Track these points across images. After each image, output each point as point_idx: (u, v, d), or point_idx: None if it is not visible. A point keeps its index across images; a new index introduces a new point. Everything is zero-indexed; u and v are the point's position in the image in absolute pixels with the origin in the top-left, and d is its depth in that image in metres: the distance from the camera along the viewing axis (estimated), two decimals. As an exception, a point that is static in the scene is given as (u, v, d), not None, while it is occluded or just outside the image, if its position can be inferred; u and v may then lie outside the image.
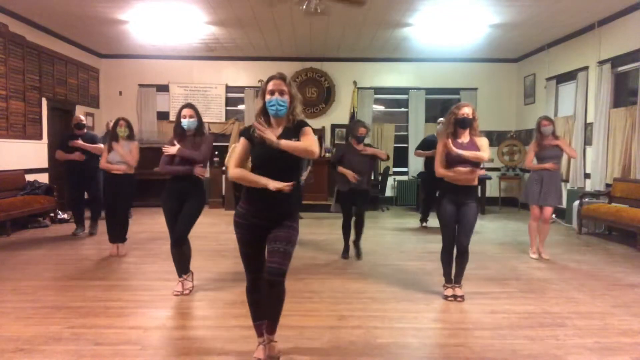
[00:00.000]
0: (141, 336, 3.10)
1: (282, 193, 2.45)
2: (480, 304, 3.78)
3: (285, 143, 2.45)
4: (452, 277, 3.96)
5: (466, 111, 3.76)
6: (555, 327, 3.29)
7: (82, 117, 6.67)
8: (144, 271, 4.72)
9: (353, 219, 5.36)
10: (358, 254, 5.36)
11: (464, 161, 3.70)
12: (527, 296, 3.98)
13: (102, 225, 6.56)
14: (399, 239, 6.34)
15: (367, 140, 5.50)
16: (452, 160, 3.76)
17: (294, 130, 2.57)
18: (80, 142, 6.22)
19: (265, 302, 2.66)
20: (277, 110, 2.52)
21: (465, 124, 3.77)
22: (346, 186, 5.22)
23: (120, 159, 5.13)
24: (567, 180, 8.09)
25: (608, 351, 2.92)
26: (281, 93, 2.52)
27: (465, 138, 3.82)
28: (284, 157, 2.49)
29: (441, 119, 7.55)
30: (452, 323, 3.41)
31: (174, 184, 3.92)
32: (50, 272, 4.61)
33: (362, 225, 5.40)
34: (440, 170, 3.80)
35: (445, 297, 3.89)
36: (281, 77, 2.56)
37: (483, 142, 3.81)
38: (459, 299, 3.85)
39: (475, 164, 3.74)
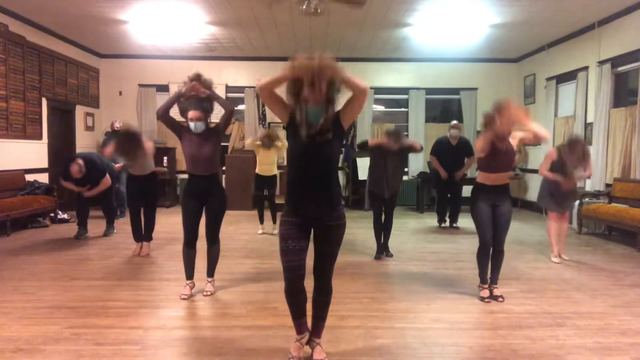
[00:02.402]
0: (141, 336, 3.10)
1: (319, 188, 2.50)
2: (480, 304, 3.78)
3: (346, 77, 2.46)
4: (488, 277, 3.93)
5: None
6: (555, 327, 3.29)
7: (77, 167, 5.90)
8: (144, 271, 4.72)
9: (382, 218, 5.38)
10: (387, 254, 5.39)
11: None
12: (527, 296, 3.97)
13: (99, 226, 6.62)
14: (399, 239, 6.34)
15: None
16: (486, 164, 3.77)
17: (331, 125, 2.53)
18: (88, 192, 6.11)
19: (303, 300, 2.68)
20: (315, 119, 2.46)
21: None
22: (372, 187, 5.26)
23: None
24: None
25: (608, 351, 2.92)
26: (316, 102, 2.45)
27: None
28: (322, 151, 2.51)
29: (454, 121, 7.55)
30: (452, 323, 3.41)
31: (194, 184, 3.85)
32: (50, 272, 4.61)
33: (391, 227, 5.42)
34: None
35: (482, 299, 3.84)
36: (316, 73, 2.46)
37: (515, 138, 3.71)
38: (499, 299, 3.83)
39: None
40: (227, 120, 3.95)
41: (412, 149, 5.36)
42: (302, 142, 2.48)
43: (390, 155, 5.22)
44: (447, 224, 7.47)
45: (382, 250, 5.37)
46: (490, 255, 3.92)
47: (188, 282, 3.93)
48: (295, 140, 2.53)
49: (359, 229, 6.83)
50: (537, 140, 3.75)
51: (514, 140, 3.72)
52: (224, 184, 9.30)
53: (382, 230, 5.40)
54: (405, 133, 10.30)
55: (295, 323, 2.73)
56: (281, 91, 2.55)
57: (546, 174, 5.12)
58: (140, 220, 5.34)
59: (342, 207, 2.67)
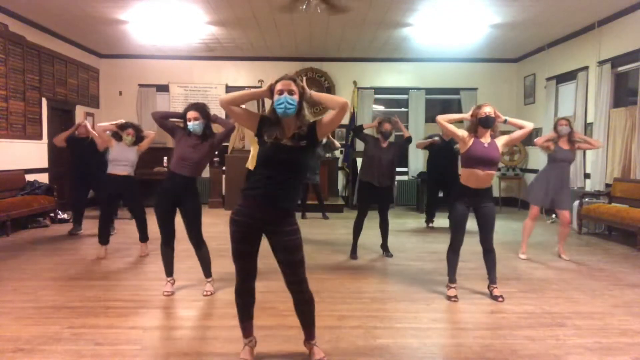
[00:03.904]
0: (141, 336, 3.10)
1: (279, 189, 2.48)
2: (480, 304, 3.78)
3: (316, 94, 2.54)
4: (456, 276, 3.96)
5: (488, 110, 3.75)
6: (555, 327, 3.29)
7: (83, 130, 6.42)
8: (144, 271, 4.72)
9: (378, 220, 5.36)
10: (387, 254, 5.39)
11: (480, 162, 3.71)
12: (527, 296, 3.98)
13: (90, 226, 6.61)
14: (399, 239, 6.34)
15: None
16: (468, 160, 3.76)
17: (306, 133, 2.53)
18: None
19: (252, 303, 2.70)
20: (285, 108, 2.44)
21: (488, 123, 3.74)
22: (366, 177, 5.23)
23: (125, 160, 5.16)
24: (567, 181, 8.10)
25: (608, 351, 2.92)
26: (290, 92, 2.47)
27: (487, 139, 3.80)
28: (292, 157, 2.49)
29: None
30: (452, 323, 3.41)
31: (169, 184, 3.85)
32: (50, 272, 4.60)
33: (387, 226, 5.40)
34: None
35: (449, 298, 3.86)
36: (290, 78, 2.54)
37: (501, 140, 3.82)
38: (499, 299, 3.82)
39: (494, 166, 3.76)
40: (226, 135, 3.95)
41: (404, 137, 5.49)
42: (275, 147, 2.48)
43: (385, 149, 5.24)
44: (434, 224, 7.46)
45: (356, 251, 5.33)
46: (483, 256, 3.94)
47: (169, 279, 4.00)
48: (263, 145, 2.52)
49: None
50: (524, 132, 3.84)
51: (499, 141, 3.82)
52: (223, 184, 9.37)
53: (380, 230, 5.40)
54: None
55: (241, 325, 2.72)
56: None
57: (540, 139, 5.28)
58: (109, 223, 5.36)
59: (294, 214, 2.63)
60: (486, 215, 3.81)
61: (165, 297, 3.88)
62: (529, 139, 9.54)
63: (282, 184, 2.50)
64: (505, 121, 3.85)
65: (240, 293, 2.66)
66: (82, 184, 6.56)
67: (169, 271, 4.01)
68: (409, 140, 5.53)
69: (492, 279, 3.94)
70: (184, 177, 3.81)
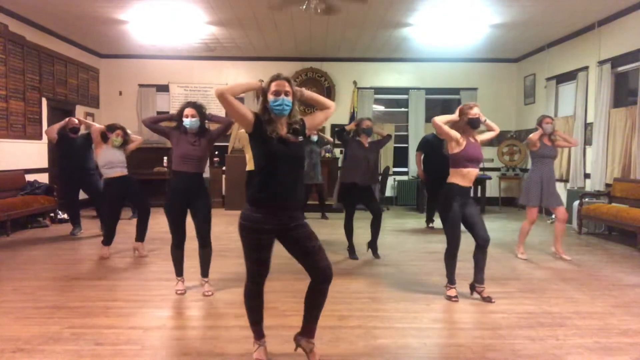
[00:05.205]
0: (141, 336, 3.10)
1: (292, 186, 2.54)
2: (480, 304, 3.78)
3: (308, 92, 2.66)
4: (455, 277, 3.96)
5: (477, 111, 3.83)
6: (555, 327, 3.29)
7: (76, 121, 6.58)
8: (144, 271, 4.72)
9: (371, 218, 5.34)
10: (376, 254, 5.36)
11: (473, 160, 3.78)
12: (527, 296, 3.98)
13: (98, 227, 6.61)
14: (399, 239, 6.34)
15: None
16: (461, 160, 3.79)
17: (300, 128, 2.64)
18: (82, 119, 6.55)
19: (262, 304, 2.75)
20: (282, 110, 2.53)
21: (477, 124, 3.83)
22: (350, 179, 5.23)
23: (119, 161, 5.16)
24: (567, 180, 8.10)
25: (608, 351, 2.92)
26: (286, 94, 2.54)
27: (473, 138, 3.89)
28: (297, 152, 2.57)
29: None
30: (452, 323, 3.41)
31: (178, 185, 3.87)
32: (50, 272, 4.61)
33: (380, 224, 5.34)
34: None
35: (449, 298, 3.86)
36: (285, 78, 2.59)
37: (478, 137, 3.95)
38: (493, 300, 3.81)
39: (480, 163, 3.90)
40: (224, 128, 3.99)
41: (384, 135, 5.65)
42: (279, 145, 2.52)
43: (369, 149, 5.29)
44: (434, 224, 7.45)
45: (355, 251, 5.33)
46: (476, 253, 3.92)
47: (179, 278, 4.03)
48: (267, 142, 2.54)
49: (357, 229, 6.79)
50: (492, 136, 4.06)
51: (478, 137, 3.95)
52: (223, 184, 9.37)
53: (371, 228, 5.35)
54: (406, 133, 10.32)
55: (253, 328, 2.74)
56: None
57: (532, 136, 5.30)
58: (116, 224, 5.31)
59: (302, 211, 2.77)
60: (473, 211, 3.85)
61: (165, 297, 3.88)
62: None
63: (293, 180, 2.56)
64: (484, 121, 3.97)
65: (252, 295, 2.70)
66: (71, 184, 6.53)
67: (179, 271, 4.05)
68: (389, 137, 5.66)
69: (480, 279, 3.91)
70: (190, 174, 3.84)
